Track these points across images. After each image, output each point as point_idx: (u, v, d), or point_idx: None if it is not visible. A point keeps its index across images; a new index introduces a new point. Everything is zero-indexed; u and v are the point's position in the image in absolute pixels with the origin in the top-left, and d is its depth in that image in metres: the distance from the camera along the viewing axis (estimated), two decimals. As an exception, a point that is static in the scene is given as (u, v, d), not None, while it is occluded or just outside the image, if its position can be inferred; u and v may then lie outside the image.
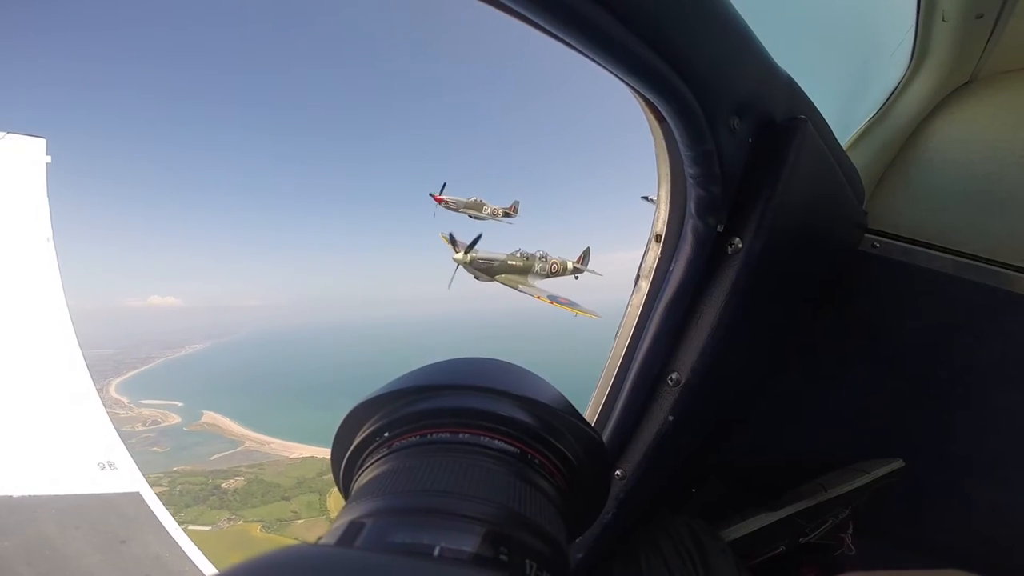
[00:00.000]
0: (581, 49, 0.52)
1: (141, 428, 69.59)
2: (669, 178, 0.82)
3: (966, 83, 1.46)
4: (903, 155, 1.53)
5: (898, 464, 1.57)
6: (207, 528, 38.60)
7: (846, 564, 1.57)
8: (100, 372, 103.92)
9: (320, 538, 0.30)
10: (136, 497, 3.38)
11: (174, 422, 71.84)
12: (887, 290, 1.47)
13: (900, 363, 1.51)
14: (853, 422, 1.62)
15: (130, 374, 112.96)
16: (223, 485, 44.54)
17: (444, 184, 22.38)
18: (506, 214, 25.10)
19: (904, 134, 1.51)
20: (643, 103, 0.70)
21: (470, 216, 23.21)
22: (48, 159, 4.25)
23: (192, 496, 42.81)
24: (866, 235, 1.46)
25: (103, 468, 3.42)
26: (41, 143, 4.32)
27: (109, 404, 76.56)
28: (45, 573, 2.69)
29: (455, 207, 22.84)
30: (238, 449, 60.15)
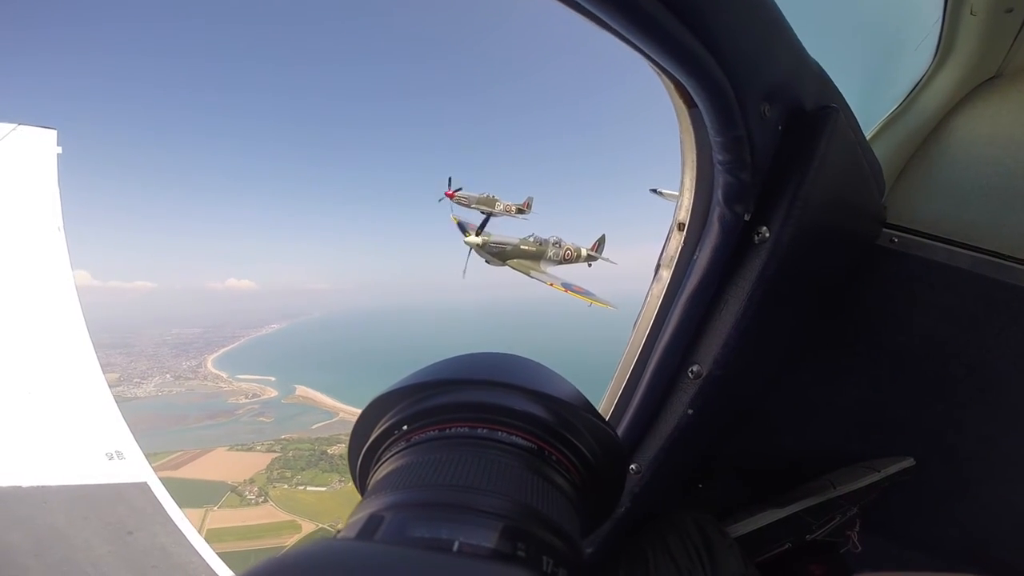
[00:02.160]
0: (618, 28, 0.51)
1: (245, 400, 77.30)
2: (695, 165, 0.80)
3: (991, 78, 1.43)
4: (925, 149, 1.50)
5: (909, 462, 1.55)
6: (324, 489, 43.56)
7: (852, 562, 1.56)
8: (195, 349, 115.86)
9: (339, 531, 0.31)
10: (144, 487, 3.38)
11: (272, 395, 79.49)
12: (904, 286, 1.44)
13: (914, 359, 1.49)
14: (864, 418, 1.60)
15: (221, 351, 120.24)
16: (329, 451, 49.27)
17: (461, 188, 22.34)
18: (519, 211, 24.92)
19: (927, 128, 1.48)
20: (672, 86, 0.68)
21: (482, 212, 23.01)
22: (59, 150, 4.29)
23: (305, 460, 47.54)
24: (884, 230, 1.43)
25: (111, 458, 3.43)
26: (52, 134, 4.36)
27: (210, 379, 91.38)
28: (54, 565, 2.70)
29: (467, 203, 22.71)
30: (335, 419, 65.56)
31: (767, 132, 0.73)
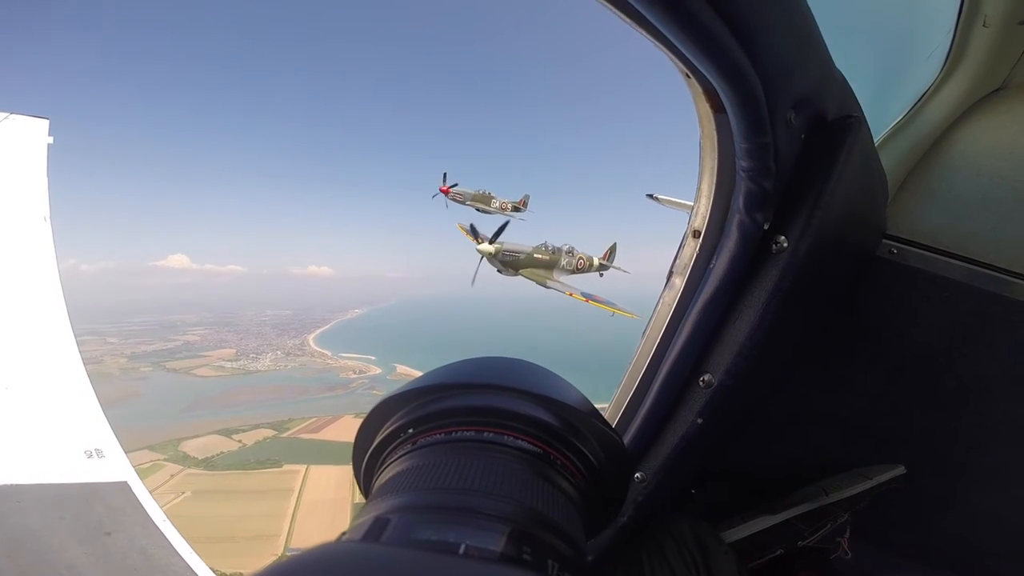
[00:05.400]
0: (662, 28, 0.49)
1: (354, 376, 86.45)
2: (715, 172, 0.78)
3: (996, 90, 1.43)
4: (927, 160, 1.50)
5: (900, 470, 1.56)
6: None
7: (842, 569, 1.56)
8: (293, 329, 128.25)
9: (344, 533, 0.31)
10: (123, 486, 3.28)
11: (376, 372, 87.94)
12: (901, 296, 1.44)
13: (908, 369, 1.49)
14: (856, 426, 1.61)
15: (318, 331, 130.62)
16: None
17: (456, 184, 22.11)
18: (515, 208, 24.70)
19: (930, 139, 1.49)
20: (701, 91, 0.67)
21: (477, 210, 22.71)
22: (50, 139, 4.20)
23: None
24: (884, 240, 1.43)
25: (90, 456, 3.32)
26: (44, 124, 4.26)
27: (316, 356, 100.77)
28: (26, 566, 2.60)
29: (462, 199, 22.40)
30: (438, 396, 78.06)
31: (792, 140, 0.72)
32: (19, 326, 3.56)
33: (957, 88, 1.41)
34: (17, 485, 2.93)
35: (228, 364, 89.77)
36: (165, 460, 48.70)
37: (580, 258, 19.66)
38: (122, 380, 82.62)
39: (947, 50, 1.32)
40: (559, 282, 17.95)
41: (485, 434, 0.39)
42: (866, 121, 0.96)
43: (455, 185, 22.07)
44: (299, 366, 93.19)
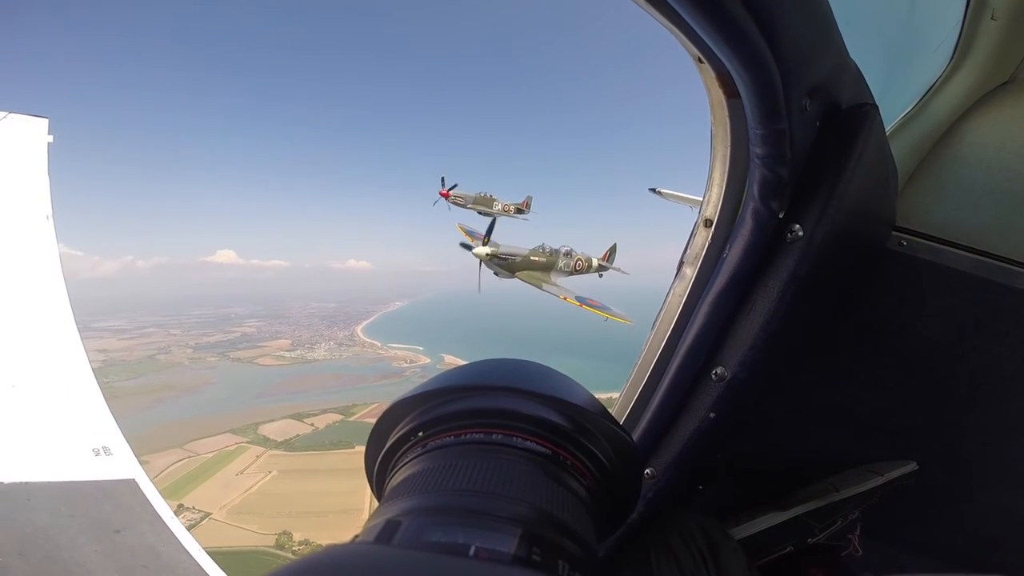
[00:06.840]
0: (681, 11, 0.49)
1: (405, 365, 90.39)
2: (727, 159, 0.78)
3: (1004, 83, 1.42)
4: (936, 152, 1.49)
5: (911, 466, 1.55)
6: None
7: (853, 566, 1.55)
8: (339, 321, 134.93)
9: (356, 536, 0.32)
10: (131, 484, 3.29)
11: (426, 361, 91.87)
12: (910, 289, 1.43)
13: (918, 363, 1.48)
14: (867, 421, 1.59)
15: (364, 323, 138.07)
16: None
17: (455, 184, 22.01)
18: (518, 211, 24.69)
19: (939, 131, 1.48)
20: (714, 75, 0.66)
21: (479, 213, 22.62)
22: (50, 138, 4.21)
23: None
24: (893, 232, 1.42)
25: (97, 454, 3.34)
26: (44, 123, 4.27)
27: (367, 346, 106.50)
28: (37, 564, 2.62)
29: (463, 203, 22.33)
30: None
31: (807, 127, 0.72)
32: (24, 325, 3.57)
33: (965, 81, 1.40)
34: (26, 483, 2.96)
35: (287, 354, 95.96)
36: (248, 443, 51.75)
37: (578, 259, 19.53)
38: (193, 369, 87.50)
39: (955, 42, 1.32)
40: (555, 285, 17.87)
41: (494, 436, 0.40)
42: (879, 112, 0.96)
43: (455, 187, 21.96)
44: (353, 355, 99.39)
